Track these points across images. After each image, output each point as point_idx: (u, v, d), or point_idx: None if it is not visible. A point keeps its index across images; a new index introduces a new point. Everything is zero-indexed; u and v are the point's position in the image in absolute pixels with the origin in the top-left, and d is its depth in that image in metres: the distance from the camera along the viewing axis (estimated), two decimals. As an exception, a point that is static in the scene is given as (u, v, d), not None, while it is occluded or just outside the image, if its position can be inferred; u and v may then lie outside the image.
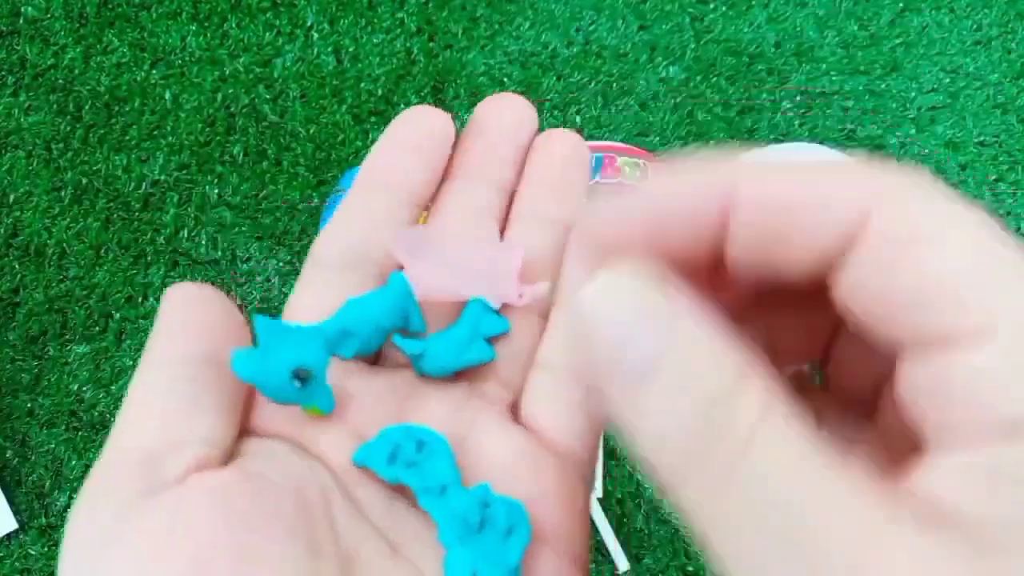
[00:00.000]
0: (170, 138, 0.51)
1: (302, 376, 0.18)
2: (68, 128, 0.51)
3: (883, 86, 0.51)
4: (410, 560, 0.17)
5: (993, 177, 0.50)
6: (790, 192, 0.13)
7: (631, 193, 0.14)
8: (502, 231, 0.22)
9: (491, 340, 0.20)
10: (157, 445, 0.17)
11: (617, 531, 0.45)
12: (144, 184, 0.51)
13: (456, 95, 0.51)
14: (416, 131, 0.22)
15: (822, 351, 0.16)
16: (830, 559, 0.10)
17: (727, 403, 0.11)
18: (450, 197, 0.22)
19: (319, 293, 0.21)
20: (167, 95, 0.52)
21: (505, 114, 0.23)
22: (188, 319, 0.18)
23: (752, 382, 0.12)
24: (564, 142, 0.23)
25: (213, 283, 0.52)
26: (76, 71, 0.52)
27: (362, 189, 0.22)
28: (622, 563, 0.44)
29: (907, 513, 0.11)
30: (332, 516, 0.17)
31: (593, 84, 0.52)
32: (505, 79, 0.52)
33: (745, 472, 0.11)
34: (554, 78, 0.52)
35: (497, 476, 0.18)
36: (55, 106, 0.52)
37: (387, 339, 0.20)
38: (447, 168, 0.22)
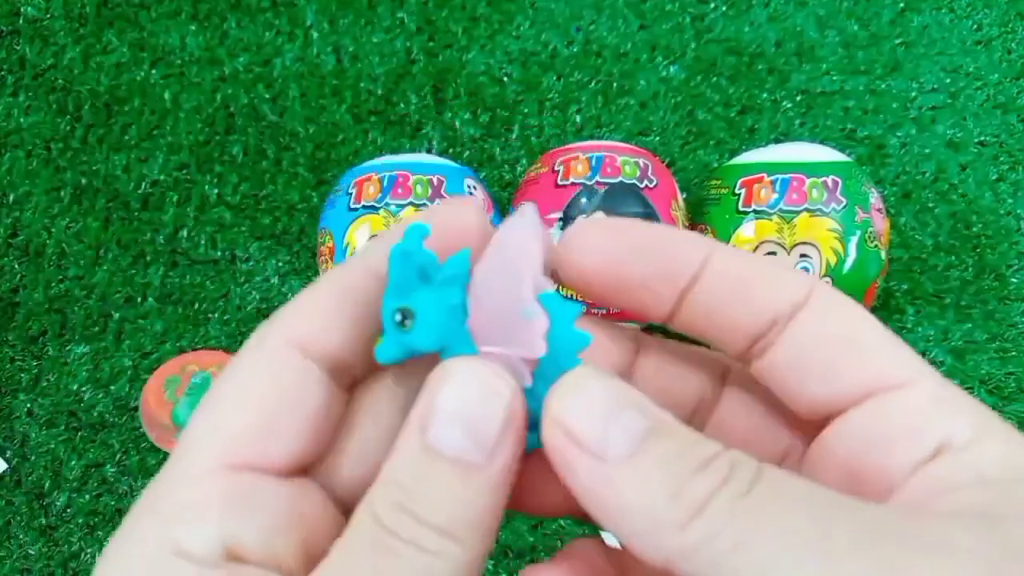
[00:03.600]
0: (169, 138, 0.51)
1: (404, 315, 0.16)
2: (68, 128, 0.51)
3: (883, 86, 0.51)
4: None
5: (994, 177, 0.50)
6: (753, 267, 0.16)
7: (612, 230, 0.16)
8: None
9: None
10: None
11: (617, 531, 0.45)
12: (143, 184, 0.51)
13: (456, 94, 0.51)
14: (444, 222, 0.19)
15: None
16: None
17: (717, 465, 0.13)
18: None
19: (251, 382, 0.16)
20: (167, 95, 0.52)
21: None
22: None
23: (720, 448, 0.13)
24: None
25: (212, 283, 0.52)
26: (76, 71, 0.52)
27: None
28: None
29: None
30: None
31: (593, 83, 0.52)
32: (505, 78, 0.52)
33: (766, 512, 0.12)
34: (554, 77, 0.52)
35: None
36: (55, 106, 0.52)
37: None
38: None
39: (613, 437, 0.13)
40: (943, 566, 0.11)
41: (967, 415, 0.14)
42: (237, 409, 0.15)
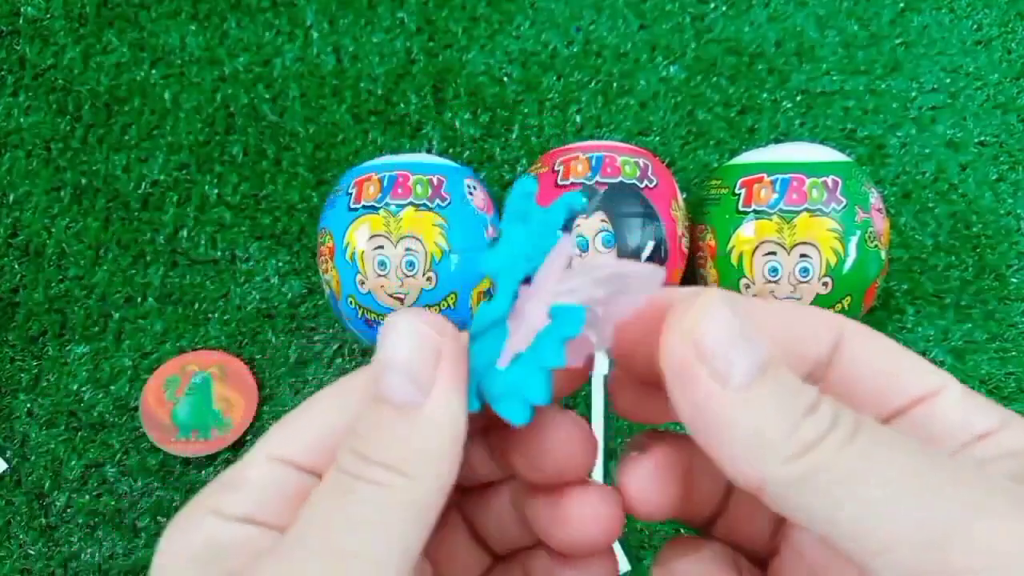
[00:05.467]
0: (169, 138, 0.51)
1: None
2: (68, 128, 0.51)
3: (883, 86, 0.51)
4: None
5: (994, 177, 0.50)
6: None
7: (758, 306, 0.17)
8: None
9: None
10: None
11: (617, 531, 0.45)
12: (144, 184, 0.51)
13: (456, 95, 0.51)
14: None
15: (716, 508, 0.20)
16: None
17: (824, 410, 0.15)
18: None
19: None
20: (167, 95, 0.52)
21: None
22: None
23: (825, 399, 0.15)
24: None
25: (212, 283, 0.52)
26: (76, 71, 0.52)
27: None
28: (623, 563, 0.44)
29: None
30: None
31: (593, 83, 0.52)
32: (505, 78, 0.52)
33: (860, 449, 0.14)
34: (554, 77, 0.52)
35: None
36: (55, 106, 0.52)
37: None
38: None
39: (736, 362, 0.15)
40: (1013, 510, 0.13)
41: (992, 408, 0.16)
42: (306, 419, 0.18)
